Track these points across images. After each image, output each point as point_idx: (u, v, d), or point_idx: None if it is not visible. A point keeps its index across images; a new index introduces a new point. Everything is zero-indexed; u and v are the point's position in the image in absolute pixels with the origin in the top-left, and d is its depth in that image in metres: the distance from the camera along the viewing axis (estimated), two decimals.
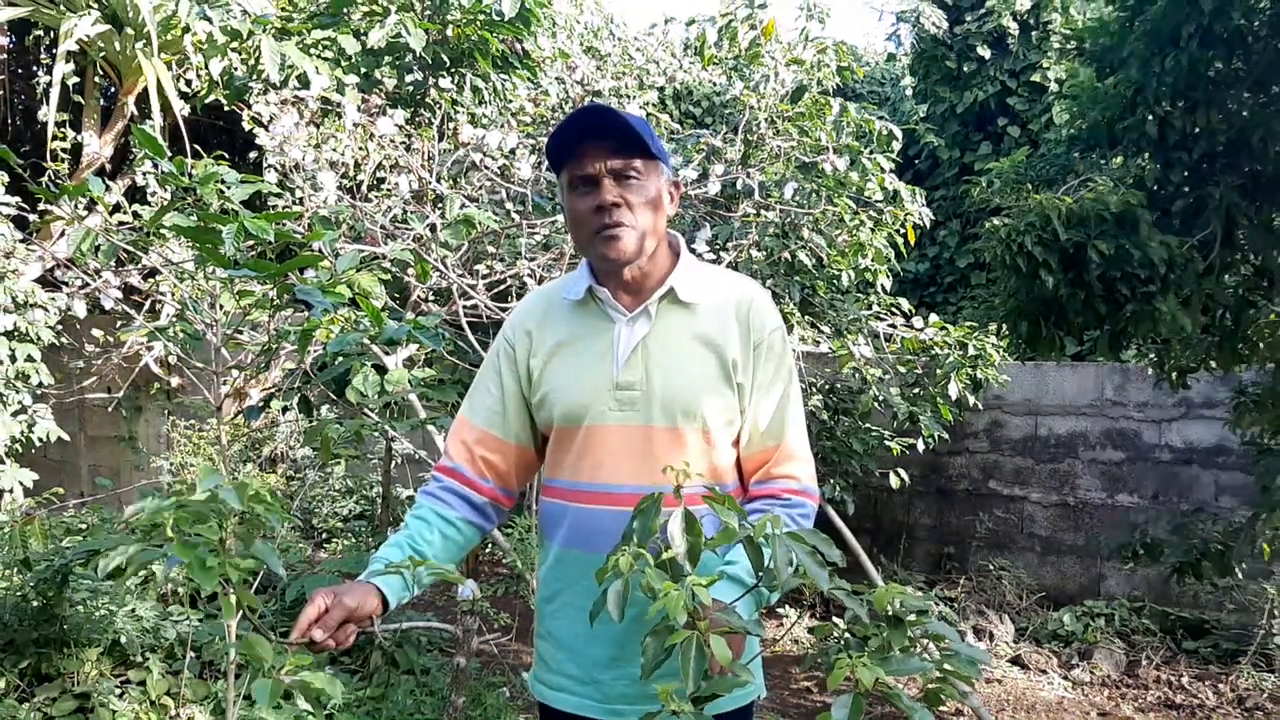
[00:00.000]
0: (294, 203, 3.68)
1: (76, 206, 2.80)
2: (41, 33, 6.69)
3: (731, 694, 1.58)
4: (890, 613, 1.25)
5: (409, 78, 4.73)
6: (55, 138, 4.80)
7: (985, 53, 9.02)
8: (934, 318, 5.13)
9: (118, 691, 3.38)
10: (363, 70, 4.56)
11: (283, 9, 5.02)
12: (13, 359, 5.30)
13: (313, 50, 4.60)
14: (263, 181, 2.47)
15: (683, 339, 1.60)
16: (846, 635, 1.27)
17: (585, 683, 1.61)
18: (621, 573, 1.23)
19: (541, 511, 1.72)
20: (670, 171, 1.64)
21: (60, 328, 5.41)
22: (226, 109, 4.93)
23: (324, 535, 6.62)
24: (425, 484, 1.72)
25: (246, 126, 3.95)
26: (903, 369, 5.13)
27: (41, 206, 3.69)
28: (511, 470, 1.70)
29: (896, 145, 4.77)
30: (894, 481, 5.20)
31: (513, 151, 3.99)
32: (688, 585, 1.21)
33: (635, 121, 1.55)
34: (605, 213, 1.54)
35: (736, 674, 1.22)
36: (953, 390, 4.88)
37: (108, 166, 6.44)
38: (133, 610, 3.65)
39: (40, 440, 5.62)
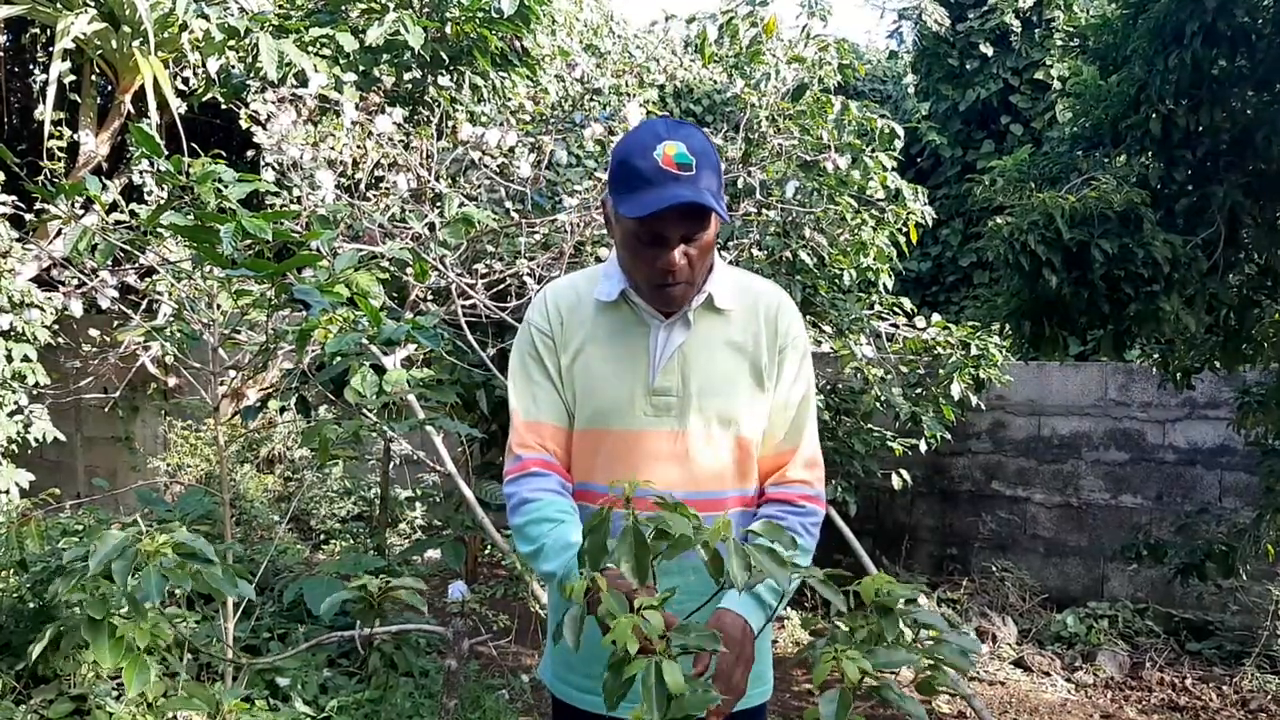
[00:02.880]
0: (292, 201, 3.65)
1: (73, 205, 2.77)
2: (38, 31, 6.67)
3: (746, 695, 1.57)
4: (879, 601, 1.23)
5: (407, 75, 4.70)
6: (52, 136, 4.77)
7: (988, 50, 8.99)
8: (936, 317, 5.10)
9: (114, 693, 3.35)
10: (361, 68, 4.54)
11: (280, 6, 4.99)
12: (9, 359, 5.27)
13: (310, 48, 4.57)
14: (260, 180, 2.45)
15: (718, 345, 1.60)
16: (836, 629, 1.25)
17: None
18: (576, 601, 1.21)
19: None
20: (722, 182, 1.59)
21: (57, 327, 5.38)
22: (224, 107, 4.91)
23: (322, 536, 6.60)
24: (533, 481, 1.60)
25: (244, 125, 3.92)
26: (905, 369, 5.10)
27: (38, 205, 3.65)
28: (570, 458, 1.66)
29: (898, 143, 4.74)
30: (896, 482, 5.18)
31: (512, 150, 3.96)
32: (639, 609, 1.17)
33: (713, 193, 1.48)
34: (670, 273, 1.51)
35: (702, 690, 1.18)
36: (955, 390, 4.85)
37: (104, 165, 6.41)
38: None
39: (36, 441, 5.59)
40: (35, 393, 5.55)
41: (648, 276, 1.53)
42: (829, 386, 5.25)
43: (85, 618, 1.25)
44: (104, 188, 2.59)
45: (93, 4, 5.33)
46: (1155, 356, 4.59)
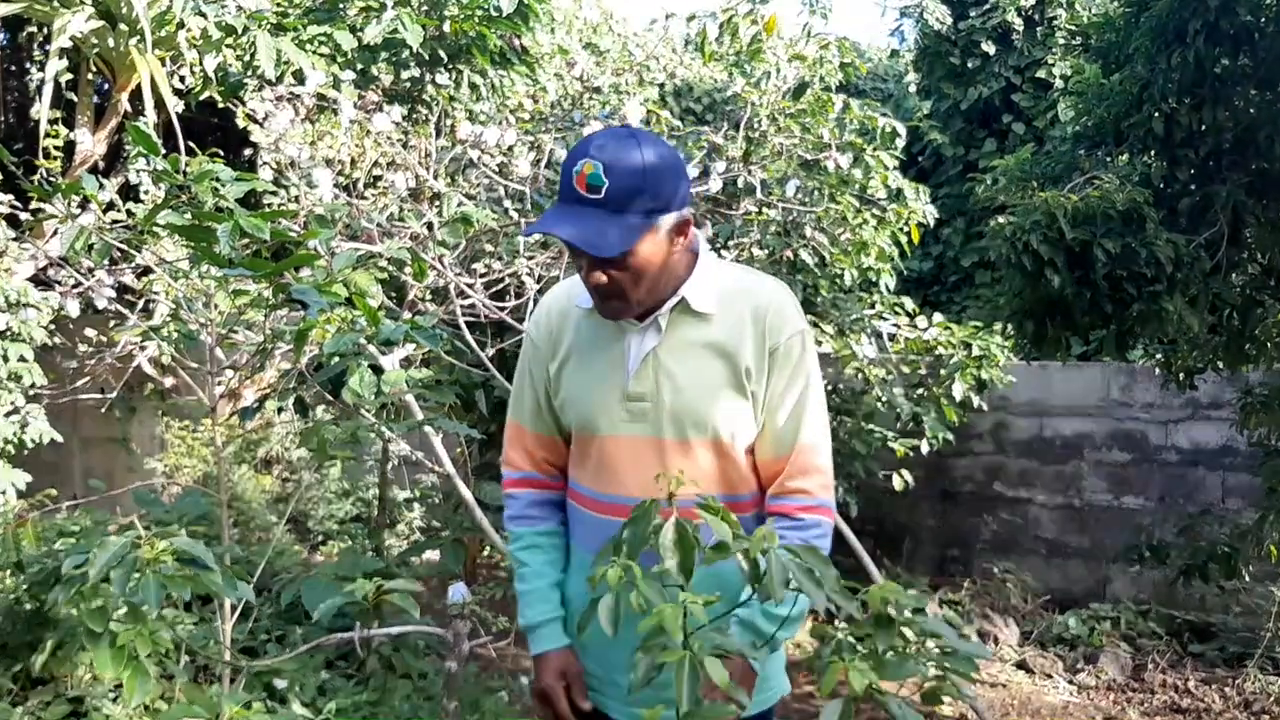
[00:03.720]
0: (289, 200, 3.63)
1: (70, 204, 2.74)
2: (35, 29, 6.64)
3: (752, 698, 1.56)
4: (883, 614, 1.21)
5: (406, 74, 4.68)
6: (48, 135, 4.73)
7: (990, 49, 8.99)
8: (938, 317, 5.09)
9: (111, 696, 3.34)
10: (359, 66, 4.52)
11: (278, 4, 4.97)
12: (5, 359, 5.24)
13: (308, 46, 4.55)
14: (258, 179, 2.42)
15: (694, 349, 1.55)
16: (844, 638, 1.23)
17: (608, 683, 1.62)
18: (611, 586, 1.20)
19: (567, 510, 1.71)
20: (678, 208, 1.51)
21: (53, 327, 5.35)
22: (221, 106, 4.88)
23: (320, 537, 6.58)
24: (507, 507, 1.73)
25: (241, 123, 3.90)
26: (906, 369, 5.09)
27: (34, 204, 3.63)
28: (567, 461, 1.72)
29: (900, 142, 4.72)
30: (897, 483, 5.15)
31: (511, 148, 3.94)
32: (684, 602, 1.17)
33: (614, 220, 1.44)
34: (594, 288, 1.51)
35: (731, 697, 1.18)
36: (957, 391, 4.84)
37: (101, 164, 6.37)
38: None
39: (33, 441, 5.56)
40: (32, 393, 5.52)
41: (583, 281, 1.54)
42: (830, 387, 5.23)
43: (85, 629, 1.23)
44: (101, 187, 2.56)
45: (89, 2, 5.31)
46: (1158, 357, 4.58)
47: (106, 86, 6.34)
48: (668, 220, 1.49)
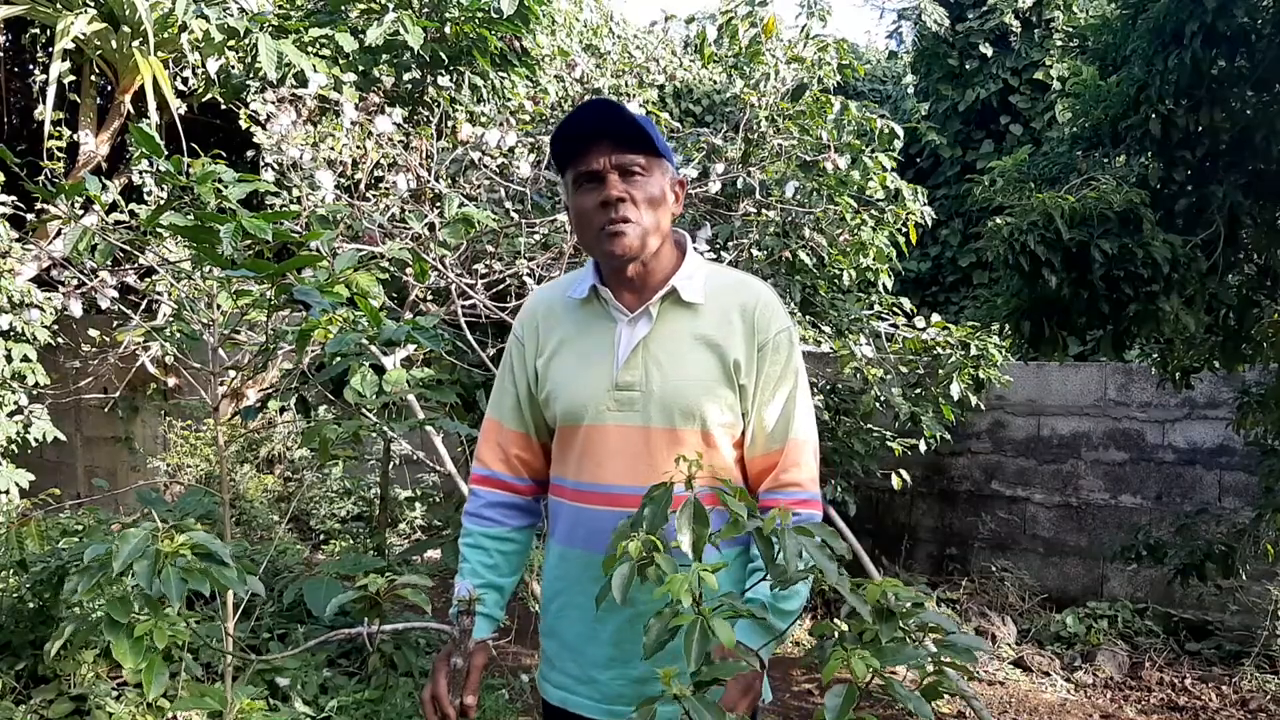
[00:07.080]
0: (291, 202, 3.65)
1: (73, 205, 2.76)
2: (38, 31, 6.66)
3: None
4: (883, 606, 1.23)
5: (407, 76, 4.71)
6: (51, 136, 4.76)
7: (987, 50, 9.00)
8: (936, 317, 5.10)
9: (114, 694, 3.35)
10: (360, 68, 4.54)
11: (280, 6, 5.00)
12: (9, 359, 5.27)
13: (310, 48, 4.58)
14: (260, 180, 2.44)
15: (683, 340, 1.58)
16: (844, 631, 1.26)
17: (584, 681, 1.63)
18: (630, 558, 1.22)
19: (548, 508, 1.73)
20: (675, 170, 1.63)
21: (56, 328, 5.38)
22: (223, 107, 4.91)
23: (322, 536, 6.60)
24: (468, 502, 1.75)
25: (244, 125, 3.92)
26: (904, 369, 5.10)
27: (38, 205, 3.65)
28: (543, 463, 1.73)
29: (898, 143, 4.74)
30: (895, 482, 5.18)
31: (511, 150, 3.96)
32: (693, 570, 1.20)
33: (639, 118, 1.56)
34: (610, 208, 1.54)
35: (739, 658, 1.21)
36: (955, 390, 4.86)
37: (104, 165, 6.40)
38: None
39: (36, 441, 5.59)
40: (35, 393, 5.55)
41: (596, 226, 1.56)
42: (829, 386, 5.25)
43: (106, 619, 1.25)
44: (104, 188, 2.58)
45: (92, 4, 5.33)
46: (1154, 356, 4.59)
47: (109, 88, 6.37)
48: (668, 167, 1.62)
